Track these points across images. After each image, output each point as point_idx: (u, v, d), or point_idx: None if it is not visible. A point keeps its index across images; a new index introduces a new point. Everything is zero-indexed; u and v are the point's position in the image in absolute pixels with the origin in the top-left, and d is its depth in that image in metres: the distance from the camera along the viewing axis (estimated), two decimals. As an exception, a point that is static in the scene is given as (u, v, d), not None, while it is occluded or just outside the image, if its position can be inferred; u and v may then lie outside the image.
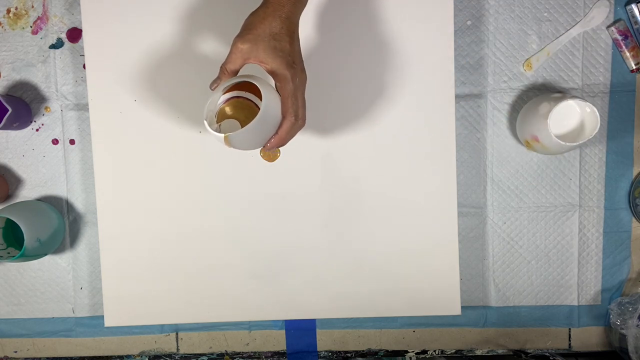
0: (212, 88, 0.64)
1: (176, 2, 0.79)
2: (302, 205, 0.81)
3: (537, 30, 0.81)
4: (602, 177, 0.82)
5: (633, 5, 0.79)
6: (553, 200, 0.82)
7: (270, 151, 0.80)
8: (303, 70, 0.64)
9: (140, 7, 0.79)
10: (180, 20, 0.79)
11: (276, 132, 0.63)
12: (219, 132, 0.62)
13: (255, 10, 0.62)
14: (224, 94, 0.66)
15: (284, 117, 0.62)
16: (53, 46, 0.82)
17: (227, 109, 0.68)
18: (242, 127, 0.64)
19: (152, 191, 0.81)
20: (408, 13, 0.78)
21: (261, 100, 0.65)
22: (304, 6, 0.64)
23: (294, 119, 0.62)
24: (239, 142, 0.62)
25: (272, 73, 0.61)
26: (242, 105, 0.68)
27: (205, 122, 0.61)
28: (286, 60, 0.60)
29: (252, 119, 0.63)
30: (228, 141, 0.61)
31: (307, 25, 0.78)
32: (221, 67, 0.63)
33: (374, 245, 0.81)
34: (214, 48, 0.79)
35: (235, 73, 0.63)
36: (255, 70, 0.63)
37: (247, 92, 0.67)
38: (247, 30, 0.61)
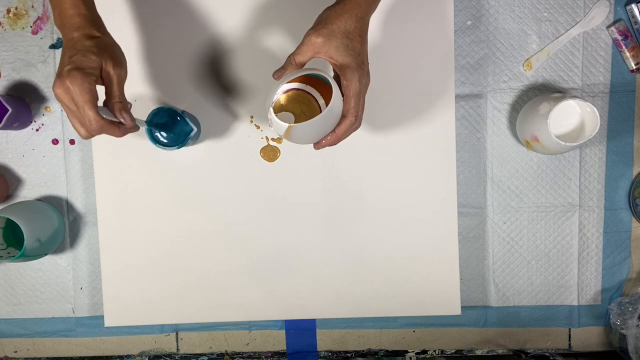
0: (276, 77, 0.63)
1: (174, 2, 0.79)
2: (302, 205, 0.81)
3: (537, 30, 0.81)
4: (602, 177, 0.82)
5: (633, 5, 0.79)
6: (553, 200, 0.82)
7: (270, 151, 0.80)
8: (368, 73, 0.64)
9: (138, 8, 0.79)
10: (179, 20, 0.79)
11: (333, 131, 0.63)
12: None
13: (332, 5, 0.62)
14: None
15: (344, 116, 0.62)
16: (53, 46, 0.82)
17: (282, 101, 0.67)
18: (297, 120, 0.65)
19: (152, 191, 0.81)
20: (408, 13, 0.78)
21: (321, 94, 0.65)
22: (376, 8, 0.65)
23: (354, 119, 0.62)
24: (299, 134, 0.62)
25: (341, 70, 0.61)
26: (300, 99, 0.68)
27: (271, 109, 0.61)
28: (356, 60, 0.61)
29: (309, 113, 0.64)
30: (289, 132, 0.61)
31: (306, 26, 0.78)
32: (289, 57, 0.62)
33: (374, 245, 0.81)
34: (215, 48, 0.79)
35: (301, 65, 0.62)
36: (316, 65, 0.63)
37: (305, 85, 0.67)
38: (322, 24, 0.61)
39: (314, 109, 0.67)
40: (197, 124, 0.76)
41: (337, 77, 0.63)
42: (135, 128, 0.66)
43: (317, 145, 0.65)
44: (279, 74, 0.63)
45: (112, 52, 0.61)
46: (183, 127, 0.74)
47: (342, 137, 0.64)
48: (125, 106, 0.62)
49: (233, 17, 0.79)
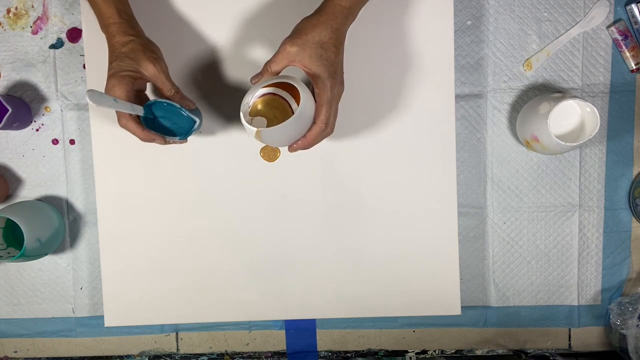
0: (253, 82, 0.66)
1: (174, 3, 0.79)
2: (302, 205, 0.81)
3: (537, 30, 0.81)
4: (602, 177, 0.82)
5: (633, 5, 0.79)
6: (553, 200, 0.82)
7: (270, 151, 0.80)
8: (342, 82, 0.66)
9: (139, 8, 0.79)
10: (179, 21, 0.79)
11: (304, 135, 0.65)
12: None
13: (309, 16, 0.64)
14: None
15: (315, 122, 0.64)
16: (53, 46, 0.82)
17: (259, 105, 0.69)
18: (269, 125, 0.68)
19: (152, 191, 0.81)
20: (408, 13, 0.78)
21: (295, 100, 0.68)
22: (354, 20, 0.67)
23: (325, 126, 0.64)
24: (269, 138, 0.64)
25: (314, 79, 0.63)
26: (275, 104, 0.70)
27: (242, 114, 0.64)
28: (329, 69, 0.63)
29: (282, 118, 0.67)
30: (259, 136, 0.63)
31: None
32: (265, 64, 0.65)
33: (374, 245, 0.81)
34: (214, 49, 0.79)
35: (277, 72, 0.65)
36: (294, 72, 0.65)
37: (282, 90, 0.69)
38: (298, 34, 0.63)
39: (286, 113, 0.70)
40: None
41: (312, 86, 0.65)
42: (161, 139, 0.70)
43: (291, 148, 0.67)
44: (256, 79, 0.66)
45: (145, 51, 0.66)
46: (183, 118, 0.70)
47: (313, 142, 0.66)
48: (182, 94, 0.69)
49: (232, 23, 0.79)
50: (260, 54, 0.79)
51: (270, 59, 0.64)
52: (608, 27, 0.80)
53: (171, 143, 0.71)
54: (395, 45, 0.78)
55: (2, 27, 0.83)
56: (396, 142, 0.80)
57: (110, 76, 0.65)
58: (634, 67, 0.80)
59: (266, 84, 0.65)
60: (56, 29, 0.82)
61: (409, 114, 0.79)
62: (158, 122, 0.71)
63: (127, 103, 0.65)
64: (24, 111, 0.81)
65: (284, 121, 0.61)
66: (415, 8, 0.78)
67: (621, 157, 0.82)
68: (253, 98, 0.67)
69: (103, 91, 0.64)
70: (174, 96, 0.68)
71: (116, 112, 0.66)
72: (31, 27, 0.82)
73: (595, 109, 0.72)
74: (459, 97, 0.81)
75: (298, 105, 0.68)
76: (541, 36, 0.81)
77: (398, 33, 0.78)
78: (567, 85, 0.81)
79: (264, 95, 0.69)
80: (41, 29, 0.82)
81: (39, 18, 0.82)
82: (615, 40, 0.80)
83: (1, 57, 0.83)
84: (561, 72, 0.81)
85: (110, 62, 0.66)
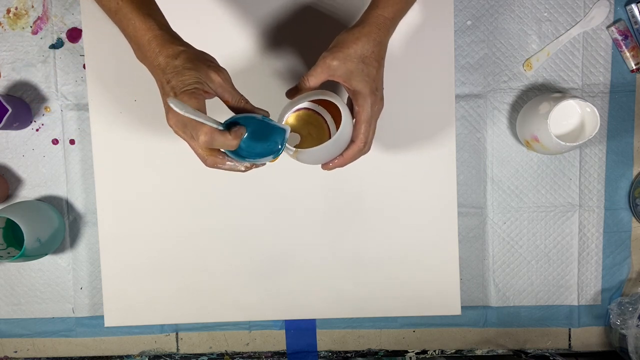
0: (289, 96, 0.63)
1: (175, 3, 0.79)
2: (302, 205, 0.81)
3: (537, 30, 0.81)
4: (602, 177, 0.82)
5: (633, 5, 0.79)
6: (553, 200, 0.82)
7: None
8: (382, 98, 0.62)
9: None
10: (180, 20, 0.79)
11: (341, 154, 0.62)
12: None
13: (351, 28, 0.61)
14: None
15: (353, 141, 0.61)
16: (53, 46, 0.82)
17: (292, 120, 0.66)
18: (302, 141, 0.65)
19: (152, 191, 0.81)
20: (408, 13, 0.78)
21: (330, 115, 0.65)
22: (394, 31, 0.64)
23: (363, 145, 0.61)
24: (306, 157, 0.62)
25: (354, 95, 0.60)
26: (310, 119, 0.67)
27: None
28: (370, 86, 0.60)
29: (316, 134, 0.64)
30: (296, 155, 0.61)
31: (305, 28, 0.78)
32: (302, 78, 0.61)
33: (374, 245, 0.81)
34: (216, 48, 0.79)
35: (315, 87, 0.61)
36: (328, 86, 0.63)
37: (317, 105, 0.66)
38: (339, 47, 0.59)
39: (321, 130, 0.67)
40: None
41: (350, 100, 0.62)
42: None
43: (325, 166, 0.64)
44: (291, 93, 0.63)
45: (204, 60, 0.56)
46: (270, 131, 0.58)
47: (350, 161, 0.63)
48: (251, 104, 0.58)
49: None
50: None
51: (308, 72, 0.60)
52: (608, 27, 0.80)
53: (253, 167, 0.60)
54: (395, 46, 0.78)
55: (2, 27, 0.83)
56: (396, 143, 0.80)
57: (176, 96, 0.53)
58: (634, 67, 0.80)
59: (307, 100, 0.61)
60: (56, 29, 0.82)
61: (409, 114, 0.79)
62: (244, 143, 0.57)
63: (212, 118, 0.53)
64: (24, 111, 0.81)
65: (318, 138, 0.58)
66: (416, 8, 0.78)
67: (621, 157, 0.82)
68: (288, 114, 0.62)
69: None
70: (246, 107, 0.57)
71: (197, 131, 0.53)
72: (31, 27, 0.82)
73: (595, 109, 0.72)
74: (459, 97, 0.81)
75: (335, 119, 0.66)
76: (541, 36, 0.81)
77: (398, 33, 0.78)
78: (567, 85, 0.81)
79: (297, 109, 0.65)
80: (41, 29, 0.82)
81: (39, 18, 0.82)
82: (615, 40, 0.80)
83: (1, 57, 0.83)
84: (561, 72, 0.81)
85: (167, 82, 0.54)
